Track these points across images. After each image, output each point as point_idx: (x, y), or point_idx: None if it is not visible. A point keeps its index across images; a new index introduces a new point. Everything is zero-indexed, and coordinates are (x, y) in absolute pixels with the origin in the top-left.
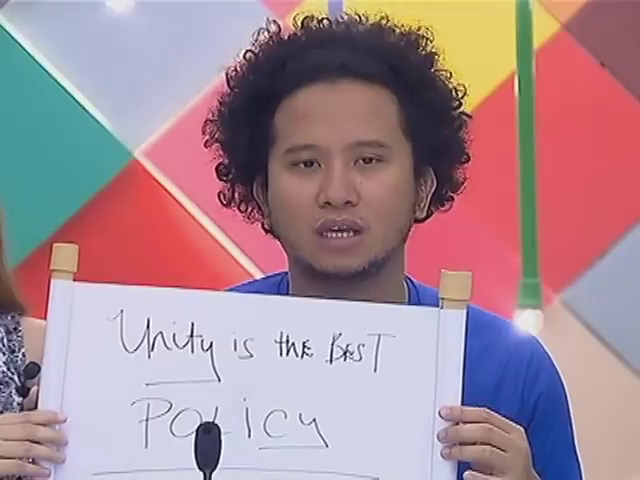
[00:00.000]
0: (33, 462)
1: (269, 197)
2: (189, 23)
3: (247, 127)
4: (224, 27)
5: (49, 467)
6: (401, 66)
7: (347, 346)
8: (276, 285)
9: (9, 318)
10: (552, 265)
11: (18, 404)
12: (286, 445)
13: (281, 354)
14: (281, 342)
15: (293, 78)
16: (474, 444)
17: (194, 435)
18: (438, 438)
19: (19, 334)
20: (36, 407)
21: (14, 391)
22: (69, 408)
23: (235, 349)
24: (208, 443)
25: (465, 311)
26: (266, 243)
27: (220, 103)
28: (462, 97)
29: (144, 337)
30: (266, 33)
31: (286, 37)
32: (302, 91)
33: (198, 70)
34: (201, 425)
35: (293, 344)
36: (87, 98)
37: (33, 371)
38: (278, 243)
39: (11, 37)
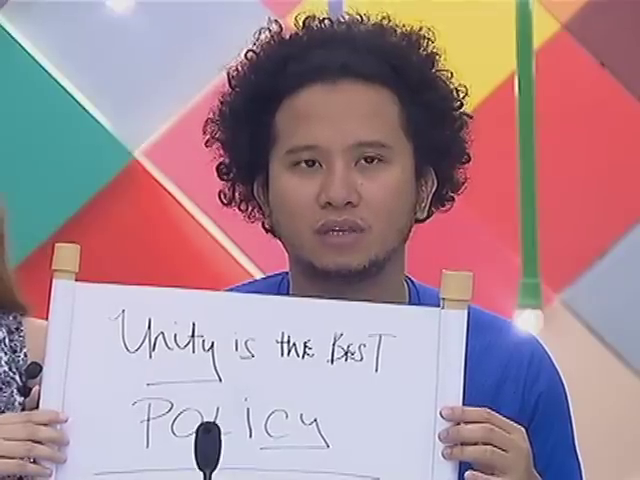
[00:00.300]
0: (34, 462)
1: (270, 197)
2: (189, 23)
3: (248, 127)
4: (224, 27)
5: (50, 467)
6: (402, 66)
7: (348, 346)
8: (276, 285)
9: (11, 318)
10: (552, 265)
11: (19, 404)
12: (287, 445)
13: (282, 354)
14: (282, 342)
15: (294, 78)
16: (475, 444)
17: (195, 435)
18: (439, 438)
19: (21, 334)
20: (37, 407)
21: (16, 391)
22: (70, 408)
23: (236, 349)
24: (208, 443)
25: (466, 311)
26: (266, 243)
27: (221, 102)
28: (463, 97)
29: (145, 337)
30: (267, 33)
31: (287, 37)
32: (303, 91)
33: (198, 70)
34: (201, 425)
35: (294, 344)
36: (87, 98)
37: (35, 371)
38: (278, 243)
39: (11, 37)
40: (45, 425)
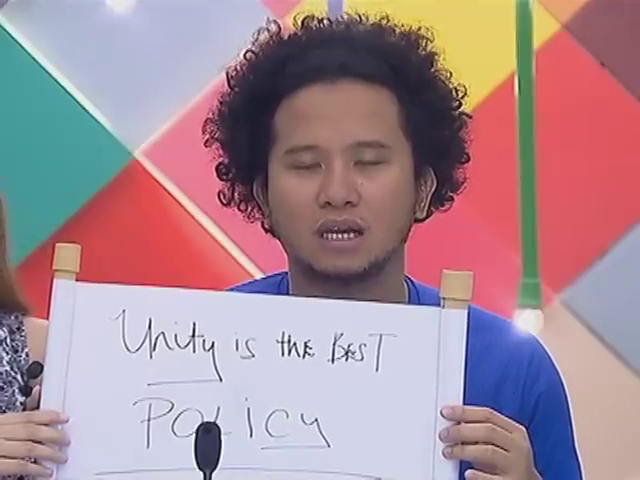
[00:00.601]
0: (35, 462)
1: (269, 197)
2: (189, 23)
3: (247, 127)
4: (224, 27)
5: (51, 467)
6: (401, 66)
7: (349, 346)
8: (276, 285)
9: (12, 318)
10: (552, 265)
11: (21, 403)
12: (288, 445)
13: (283, 354)
14: (283, 342)
15: (293, 78)
16: (476, 443)
17: (195, 435)
18: (440, 437)
19: (22, 334)
20: (39, 407)
21: (17, 390)
22: (71, 408)
23: (237, 349)
24: (208, 443)
25: (466, 311)
26: (266, 243)
27: (220, 103)
28: (462, 97)
29: (146, 337)
30: (266, 33)
31: (286, 37)
32: (302, 91)
33: (198, 70)
34: (201, 425)
35: (295, 344)
36: (87, 98)
37: (36, 371)
38: (278, 243)
39: (11, 37)
40: (46, 425)
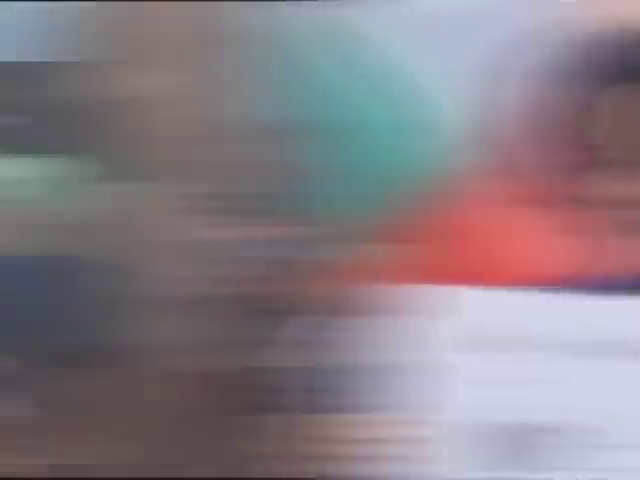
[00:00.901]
0: (402, 462)
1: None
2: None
3: (566, 126)
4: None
5: (417, 467)
6: None
7: None
8: None
9: (320, 319)
10: None
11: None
12: (619, 444)
13: (609, 357)
14: (623, 345)
15: (609, 78)
16: None
17: (525, 435)
18: None
19: (332, 335)
20: (397, 408)
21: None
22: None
23: (570, 351)
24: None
25: None
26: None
27: (535, 103)
28: None
29: (476, 340)
30: (584, 33)
31: (604, 37)
32: (621, 91)
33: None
34: (528, 427)
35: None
36: (435, 85)
37: (370, 370)
38: None
39: (355, 28)
40: (411, 425)
